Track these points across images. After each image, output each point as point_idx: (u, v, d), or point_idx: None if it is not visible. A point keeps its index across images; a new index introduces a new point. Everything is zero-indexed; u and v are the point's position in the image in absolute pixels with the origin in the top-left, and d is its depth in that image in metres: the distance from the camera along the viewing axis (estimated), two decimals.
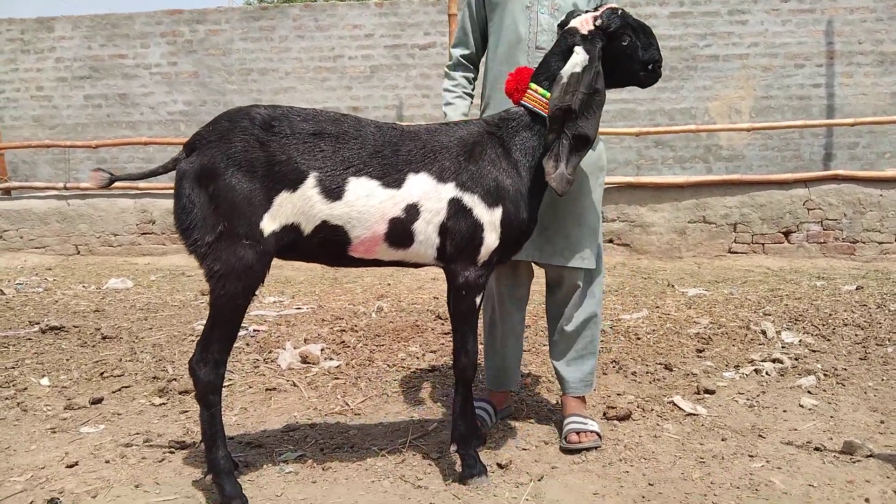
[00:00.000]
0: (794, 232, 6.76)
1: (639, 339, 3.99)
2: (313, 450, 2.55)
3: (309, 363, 3.62)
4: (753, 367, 3.39)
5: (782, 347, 3.78)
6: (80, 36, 8.17)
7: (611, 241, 7.08)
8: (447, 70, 2.79)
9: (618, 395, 3.10)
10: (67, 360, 3.69)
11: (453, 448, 2.33)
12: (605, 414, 2.83)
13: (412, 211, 2.13)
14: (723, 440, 2.60)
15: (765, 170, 7.67)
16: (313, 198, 2.05)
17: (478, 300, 2.25)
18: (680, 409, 2.90)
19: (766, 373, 3.33)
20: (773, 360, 3.47)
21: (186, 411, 2.97)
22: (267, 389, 3.25)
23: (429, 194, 2.14)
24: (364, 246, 2.14)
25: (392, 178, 2.11)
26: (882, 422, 2.74)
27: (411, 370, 3.51)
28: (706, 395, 3.06)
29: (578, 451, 2.47)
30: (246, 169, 2.02)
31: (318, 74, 8.14)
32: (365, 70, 8.09)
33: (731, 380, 3.28)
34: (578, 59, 2.18)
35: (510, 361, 2.82)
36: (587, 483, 2.29)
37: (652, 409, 2.90)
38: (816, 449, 2.48)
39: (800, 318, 4.40)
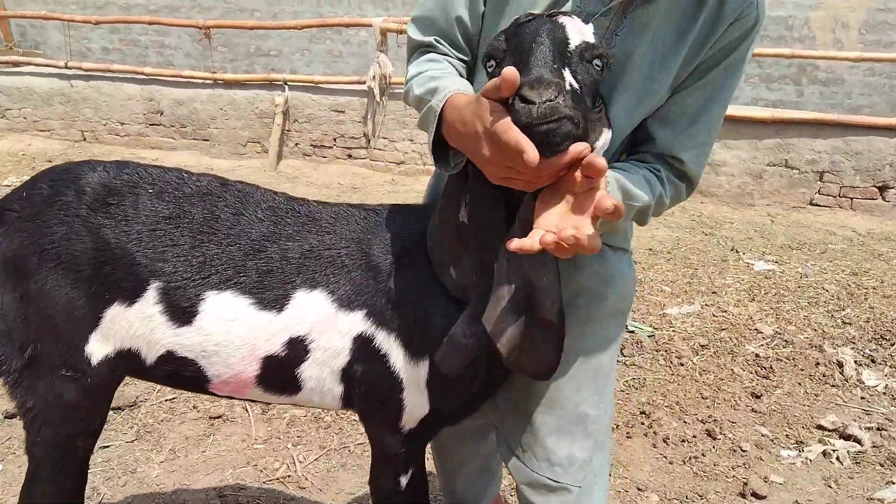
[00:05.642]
0: (892, 188, 5.67)
1: (682, 364, 3.23)
2: None
3: None
4: (822, 447, 2.65)
5: (861, 398, 3.02)
6: None
7: None
8: (409, 68, 1.37)
9: (638, 490, 2.41)
10: None
11: None
12: None
13: (297, 348, 1.36)
14: None
15: (867, 99, 6.45)
16: (154, 318, 1.34)
17: (402, 480, 1.48)
18: None
19: (838, 459, 2.59)
20: (848, 437, 2.72)
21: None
22: (211, 417, 2.68)
23: (325, 325, 1.35)
24: (229, 387, 1.42)
25: (272, 295, 1.34)
26: None
27: None
28: (754, 502, 2.36)
29: None
30: (66, 267, 1.31)
31: None
32: None
33: (790, 466, 2.55)
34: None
35: (468, 497, 1.98)
36: None
37: None
38: None
39: (885, 336, 3.57)
